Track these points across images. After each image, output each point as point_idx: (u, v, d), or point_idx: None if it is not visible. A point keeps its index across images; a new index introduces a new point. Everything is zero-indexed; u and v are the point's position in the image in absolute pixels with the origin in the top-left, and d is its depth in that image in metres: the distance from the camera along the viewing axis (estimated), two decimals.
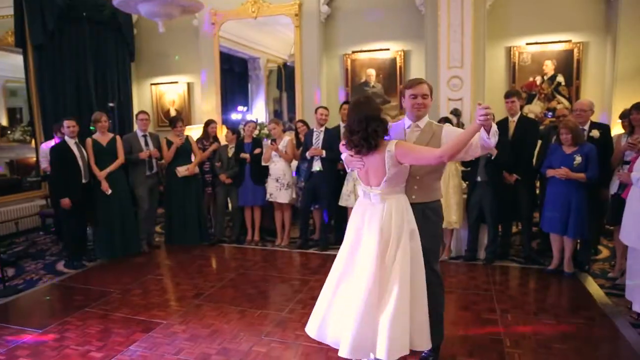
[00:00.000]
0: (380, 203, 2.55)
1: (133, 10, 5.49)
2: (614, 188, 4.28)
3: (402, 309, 2.43)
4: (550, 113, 6.29)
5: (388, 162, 2.50)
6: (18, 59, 6.72)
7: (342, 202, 5.29)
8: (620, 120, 4.84)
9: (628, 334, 3.30)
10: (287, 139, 5.60)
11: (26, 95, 6.68)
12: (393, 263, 2.48)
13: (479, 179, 4.77)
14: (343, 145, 2.70)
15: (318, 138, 5.36)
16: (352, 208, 4.81)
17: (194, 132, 6.69)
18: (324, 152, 5.25)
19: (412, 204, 2.63)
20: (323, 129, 5.39)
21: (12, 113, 8.40)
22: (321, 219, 5.61)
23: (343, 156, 2.81)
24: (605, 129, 4.57)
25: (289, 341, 3.28)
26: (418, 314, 2.51)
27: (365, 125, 2.49)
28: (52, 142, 5.54)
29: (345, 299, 2.56)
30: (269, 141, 5.76)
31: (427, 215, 2.71)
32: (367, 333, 2.44)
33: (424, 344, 2.59)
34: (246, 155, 5.66)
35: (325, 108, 5.52)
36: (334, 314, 2.60)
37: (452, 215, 4.85)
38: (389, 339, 2.38)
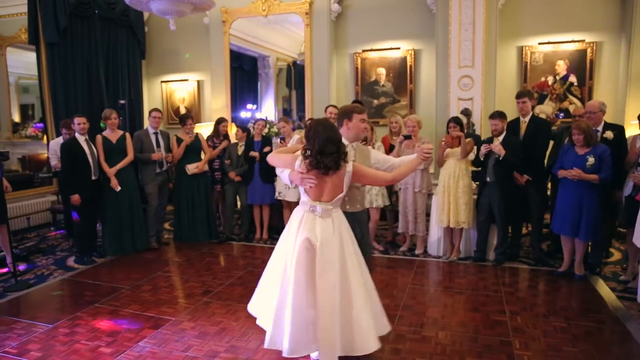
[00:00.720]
0: (328, 217, 2.73)
1: (145, 8, 5.52)
2: (627, 190, 4.22)
3: (368, 307, 2.70)
4: (562, 114, 6.23)
5: (346, 181, 2.73)
6: (30, 55, 6.80)
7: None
8: (636, 121, 4.77)
9: None
10: (296, 138, 5.59)
11: (38, 92, 6.75)
12: (350, 269, 2.70)
13: (488, 179, 4.74)
14: (303, 163, 2.72)
15: None
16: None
17: (204, 129, 6.71)
18: None
19: (358, 212, 3.02)
20: None
21: (24, 109, 8.49)
22: None
23: (284, 173, 2.85)
24: (619, 130, 4.50)
25: None
26: (376, 306, 2.82)
27: (338, 147, 2.66)
28: (60, 139, 5.59)
29: (315, 312, 2.65)
30: (279, 139, 5.76)
31: (364, 219, 3.10)
32: (344, 334, 2.64)
33: (386, 328, 2.86)
34: (255, 154, 5.66)
35: (335, 107, 5.51)
36: (313, 327, 2.67)
37: (461, 215, 4.82)
38: (371, 332, 2.68)
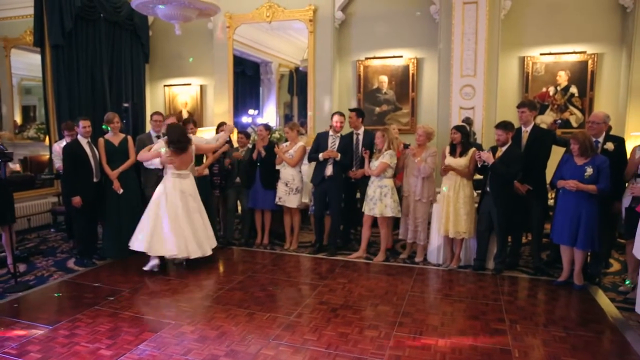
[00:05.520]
0: (187, 178, 4.93)
1: (151, 13, 5.55)
2: (626, 201, 4.24)
3: (203, 228, 5.09)
4: (559, 120, 6.21)
5: (192, 154, 4.97)
6: (33, 57, 6.83)
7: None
8: (637, 133, 4.80)
9: (639, 348, 3.27)
10: (299, 145, 5.60)
11: (42, 94, 6.78)
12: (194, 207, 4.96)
13: (487, 189, 4.76)
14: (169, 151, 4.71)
15: (334, 143, 5.37)
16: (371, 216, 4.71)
17: (206, 134, 6.73)
18: (339, 155, 5.27)
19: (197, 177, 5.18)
20: (339, 134, 5.41)
21: (26, 111, 8.51)
22: (330, 224, 5.60)
23: (156, 160, 4.84)
24: (620, 141, 4.53)
25: (297, 345, 3.28)
26: (208, 230, 5.15)
27: (186, 137, 4.89)
28: (63, 142, 5.60)
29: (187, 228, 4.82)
30: (278, 144, 5.79)
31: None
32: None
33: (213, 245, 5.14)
34: (261, 150, 5.63)
35: (341, 114, 5.47)
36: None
37: (461, 225, 4.83)
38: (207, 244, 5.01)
